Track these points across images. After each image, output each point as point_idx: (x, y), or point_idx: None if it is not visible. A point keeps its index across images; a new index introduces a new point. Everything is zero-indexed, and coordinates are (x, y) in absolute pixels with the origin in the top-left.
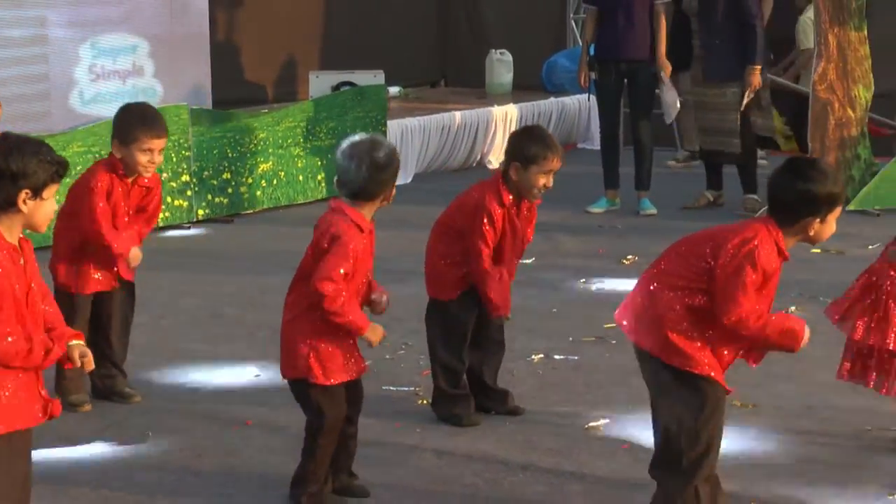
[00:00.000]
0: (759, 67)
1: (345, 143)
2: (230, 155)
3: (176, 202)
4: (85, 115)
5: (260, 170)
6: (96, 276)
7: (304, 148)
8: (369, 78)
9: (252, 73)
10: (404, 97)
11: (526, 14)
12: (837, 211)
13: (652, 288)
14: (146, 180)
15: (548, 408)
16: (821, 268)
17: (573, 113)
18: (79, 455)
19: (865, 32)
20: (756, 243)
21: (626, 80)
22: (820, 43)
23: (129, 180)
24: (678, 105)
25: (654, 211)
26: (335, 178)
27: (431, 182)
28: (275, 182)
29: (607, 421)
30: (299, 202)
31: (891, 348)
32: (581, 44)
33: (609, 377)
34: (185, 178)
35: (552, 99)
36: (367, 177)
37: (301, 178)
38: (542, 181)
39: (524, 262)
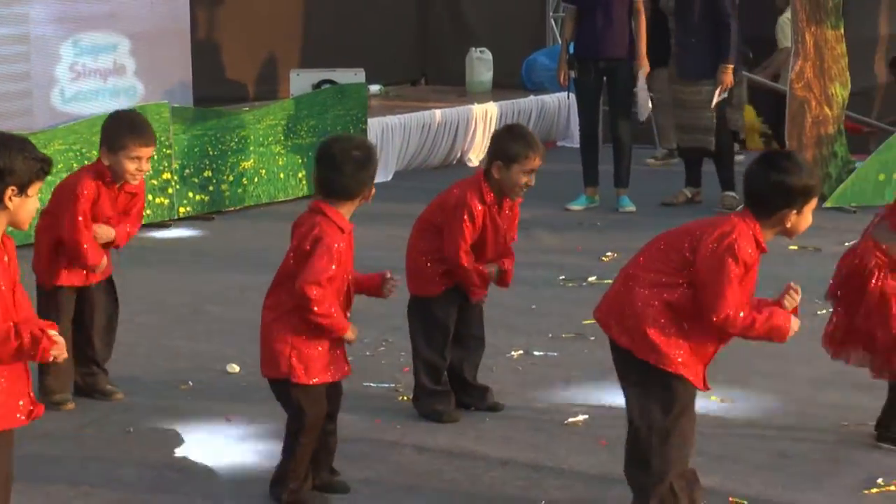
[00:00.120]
0: (731, 66)
1: (323, 143)
2: (211, 153)
3: (157, 200)
4: (66, 114)
5: (241, 167)
6: (77, 272)
7: (284, 146)
8: (350, 76)
9: (233, 72)
10: (385, 95)
11: (506, 13)
12: (813, 203)
13: (630, 284)
14: (133, 186)
15: (527, 404)
16: (798, 264)
17: (553, 111)
18: (59, 452)
19: (842, 31)
20: (735, 236)
21: (605, 79)
22: (797, 41)
23: (116, 186)
24: (650, 105)
25: (632, 208)
26: (314, 178)
27: (412, 180)
28: (256, 180)
29: (586, 417)
30: (280, 200)
31: (865, 326)
32: (560, 42)
33: (588, 373)
34: (167, 175)
35: (532, 97)
36: (347, 176)
37: (282, 175)
38: (523, 179)
39: None
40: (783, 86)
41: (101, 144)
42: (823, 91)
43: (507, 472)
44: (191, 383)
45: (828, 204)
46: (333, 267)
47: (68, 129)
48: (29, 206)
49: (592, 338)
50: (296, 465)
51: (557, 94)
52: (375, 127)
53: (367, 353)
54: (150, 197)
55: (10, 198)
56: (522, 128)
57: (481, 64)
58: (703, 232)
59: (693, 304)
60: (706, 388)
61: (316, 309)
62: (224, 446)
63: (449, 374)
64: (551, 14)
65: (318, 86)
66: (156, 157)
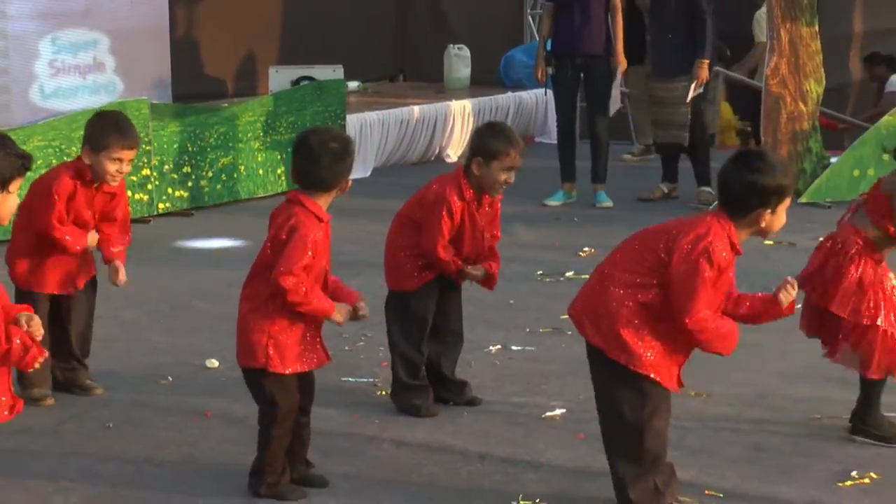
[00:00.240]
0: (707, 61)
1: (301, 135)
2: (190, 149)
3: (136, 196)
4: (45, 110)
5: (220, 164)
6: (56, 278)
7: (263, 142)
8: (328, 73)
9: (212, 68)
10: (363, 92)
11: (484, 10)
12: (787, 202)
13: (605, 283)
14: (111, 186)
15: (505, 398)
16: (773, 258)
17: (530, 107)
18: (39, 447)
19: (817, 28)
20: (710, 239)
21: (582, 75)
22: (772, 38)
23: (94, 186)
24: (619, 102)
25: (609, 203)
26: (291, 170)
27: (390, 176)
28: (235, 176)
29: (563, 411)
30: (259, 196)
31: (842, 311)
32: (538, 39)
33: (565, 367)
34: (146, 171)
35: (510, 93)
36: (324, 168)
37: (261, 171)
38: (503, 176)
39: None
40: (759, 81)
41: (84, 143)
42: (798, 87)
43: (485, 466)
44: (170, 378)
45: (803, 199)
46: (310, 254)
47: (48, 125)
48: (10, 202)
49: (570, 332)
50: (271, 459)
51: (535, 91)
52: (354, 123)
53: (346, 348)
54: (129, 193)
55: None
56: (503, 125)
57: (459, 61)
58: (679, 232)
59: (667, 305)
60: (679, 388)
61: (292, 298)
62: (203, 441)
63: (427, 369)
64: (529, 11)
65: (296, 82)
66: None
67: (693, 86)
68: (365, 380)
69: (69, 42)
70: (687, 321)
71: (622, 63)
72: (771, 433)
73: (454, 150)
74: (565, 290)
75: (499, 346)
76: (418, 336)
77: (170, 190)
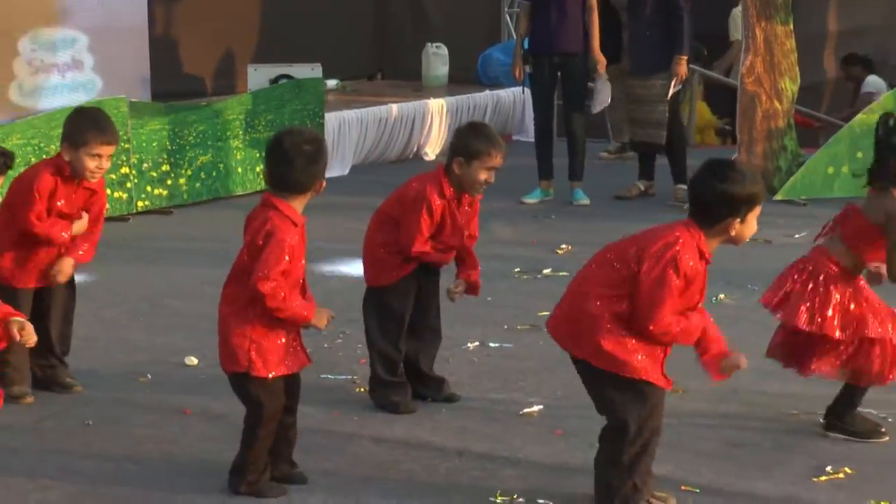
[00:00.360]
0: (685, 57)
1: (274, 137)
2: (169, 147)
3: (115, 194)
4: (24, 108)
5: (199, 162)
6: (37, 272)
7: (242, 140)
8: (307, 71)
9: (191, 66)
10: (342, 90)
11: (461, 8)
12: (757, 210)
13: (580, 300)
14: (91, 182)
15: (483, 395)
16: (749, 256)
17: (508, 105)
18: (18, 445)
19: (791, 26)
20: (678, 248)
21: (559, 73)
22: (747, 37)
23: (75, 182)
24: (609, 101)
25: (586, 201)
26: (265, 173)
27: (369, 174)
28: (214, 174)
29: (541, 407)
30: (238, 194)
31: (837, 337)
32: (515, 37)
33: (542, 364)
34: (125, 170)
35: (487, 92)
36: (299, 170)
37: (240, 170)
38: (483, 176)
39: None
40: (735, 80)
41: (63, 140)
42: (773, 86)
43: (463, 462)
44: (149, 376)
45: (778, 196)
46: (287, 259)
47: (27, 123)
48: None
49: None
50: (254, 458)
51: (512, 89)
52: (332, 121)
53: (325, 346)
54: (108, 191)
55: None
56: (486, 126)
57: (437, 59)
58: (649, 241)
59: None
60: (670, 384)
61: (270, 304)
62: (182, 439)
63: (405, 366)
64: (506, 10)
65: (275, 81)
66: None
67: (673, 82)
68: (343, 377)
69: (48, 40)
70: (651, 328)
71: (601, 61)
72: (745, 429)
73: (432, 148)
74: (543, 287)
75: (477, 343)
76: (396, 333)
77: (149, 188)
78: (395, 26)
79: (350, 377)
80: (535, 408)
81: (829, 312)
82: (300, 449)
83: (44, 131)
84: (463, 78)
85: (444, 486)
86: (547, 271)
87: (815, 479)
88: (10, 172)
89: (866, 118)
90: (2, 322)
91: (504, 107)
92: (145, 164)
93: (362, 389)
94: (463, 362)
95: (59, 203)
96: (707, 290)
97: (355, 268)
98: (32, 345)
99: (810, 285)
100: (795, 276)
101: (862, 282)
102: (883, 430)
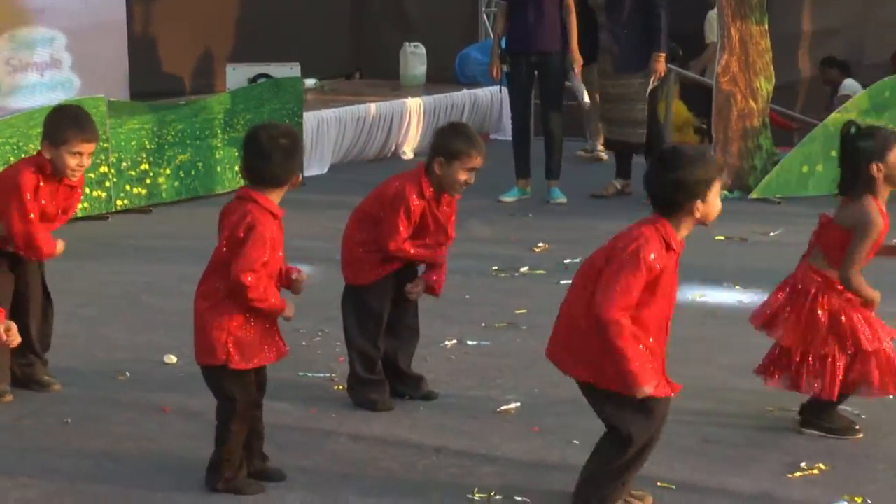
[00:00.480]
0: (664, 55)
1: (250, 131)
2: (148, 146)
3: (94, 193)
4: (3, 108)
5: (178, 161)
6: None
7: (221, 139)
8: (286, 70)
9: (169, 65)
10: (320, 89)
11: (439, 8)
12: (716, 188)
13: (573, 322)
14: (72, 180)
15: (460, 392)
16: (724, 254)
17: (485, 104)
18: None
19: (766, 26)
20: (641, 242)
21: (536, 73)
22: (723, 36)
23: (56, 180)
24: (586, 94)
25: (563, 199)
26: (242, 167)
27: (347, 172)
28: (193, 173)
29: (518, 405)
30: (217, 192)
31: (823, 352)
32: (492, 37)
33: (520, 362)
34: (104, 169)
35: (465, 91)
36: (275, 164)
37: (219, 168)
38: (463, 177)
39: None
40: (710, 79)
41: (44, 138)
42: (749, 85)
43: (441, 459)
44: (128, 374)
45: (753, 195)
46: (267, 253)
47: (5, 122)
48: None
49: (524, 327)
50: (228, 453)
51: (490, 88)
52: (311, 120)
53: (304, 343)
54: (87, 190)
55: None
56: (466, 126)
57: (415, 58)
58: (616, 241)
59: (634, 323)
60: (676, 389)
61: (252, 295)
62: (161, 436)
63: (383, 364)
64: (484, 9)
65: (254, 80)
66: None
67: (652, 79)
68: (322, 375)
69: (26, 39)
70: (602, 316)
71: (578, 61)
72: (719, 425)
73: (410, 147)
74: (520, 285)
75: (454, 341)
76: (374, 331)
77: (128, 187)
78: (373, 26)
79: (328, 375)
80: (513, 405)
81: (820, 327)
82: (278, 446)
83: (22, 130)
84: (441, 77)
85: (422, 484)
86: (524, 269)
87: (790, 476)
88: None
89: (840, 117)
90: None
91: (482, 106)
92: (124, 163)
93: (340, 387)
94: (441, 360)
95: (41, 202)
96: (684, 288)
97: (333, 265)
98: (16, 345)
99: (798, 301)
100: (782, 294)
101: (850, 294)
102: (857, 426)
